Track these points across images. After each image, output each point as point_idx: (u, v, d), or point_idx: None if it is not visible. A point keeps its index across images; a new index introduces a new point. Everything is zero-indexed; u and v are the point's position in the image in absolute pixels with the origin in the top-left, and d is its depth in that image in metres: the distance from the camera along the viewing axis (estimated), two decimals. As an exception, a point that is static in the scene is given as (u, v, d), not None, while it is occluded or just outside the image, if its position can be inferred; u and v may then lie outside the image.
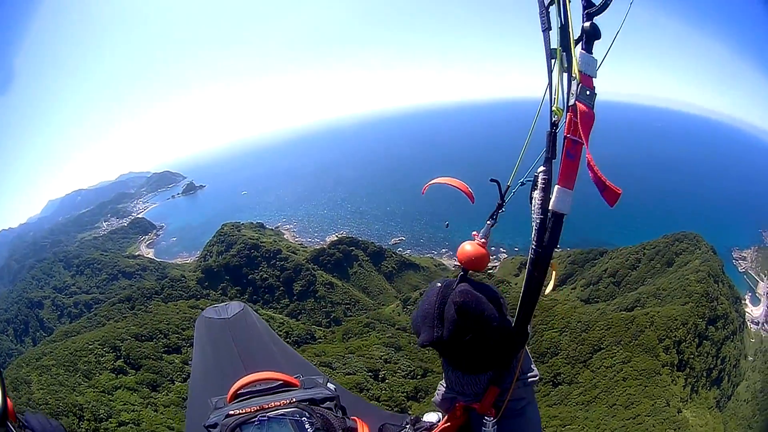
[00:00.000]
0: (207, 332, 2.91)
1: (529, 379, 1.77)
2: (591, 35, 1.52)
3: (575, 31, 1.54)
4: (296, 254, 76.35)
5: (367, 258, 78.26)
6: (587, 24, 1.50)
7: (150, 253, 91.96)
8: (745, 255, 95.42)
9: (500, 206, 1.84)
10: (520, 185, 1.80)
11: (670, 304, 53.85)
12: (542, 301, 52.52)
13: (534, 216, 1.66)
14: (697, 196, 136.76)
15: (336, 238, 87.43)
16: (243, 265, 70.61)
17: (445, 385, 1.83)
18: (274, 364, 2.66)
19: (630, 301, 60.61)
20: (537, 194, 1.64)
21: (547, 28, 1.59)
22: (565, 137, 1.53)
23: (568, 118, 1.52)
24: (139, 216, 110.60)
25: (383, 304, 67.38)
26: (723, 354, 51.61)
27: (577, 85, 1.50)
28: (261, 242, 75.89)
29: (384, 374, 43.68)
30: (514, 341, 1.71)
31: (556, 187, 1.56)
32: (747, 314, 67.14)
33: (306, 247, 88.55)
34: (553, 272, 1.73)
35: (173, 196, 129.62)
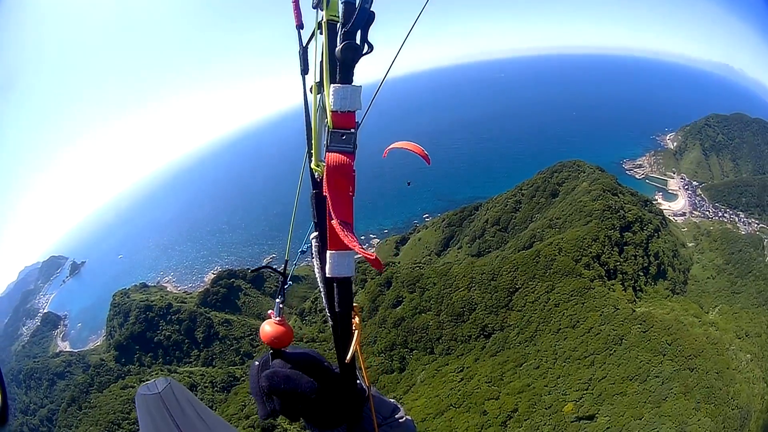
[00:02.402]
0: (146, 407, 3.21)
1: (397, 421, 1.94)
2: (348, 60, 1.31)
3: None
4: (185, 303, 78.09)
5: (249, 285, 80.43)
6: (339, 48, 1.30)
7: (67, 346, 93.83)
8: (639, 163, 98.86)
9: (284, 282, 2.00)
10: (300, 254, 1.95)
11: (571, 228, 53.87)
12: (436, 268, 58.42)
13: (319, 284, 1.67)
14: (573, 129, 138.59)
15: (214, 275, 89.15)
16: (145, 330, 71.97)
17: None
18: (204, 428, 3.04)
19: (526, 240, 59.71)
20: (315, 262, 1.63)
21: (303, 70, 1.45)
22: (324, 195, 1.38)
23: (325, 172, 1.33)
24: (46, 311, 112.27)
25: (282, 324, 77.85)
26: (653, 251, 52.22)
27: (328, 133, 1.33)
28: (151, 302, 76.58)
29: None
30: (350, 398, 1.82)
31: (328, 252, 1.47)
32: (666, 210, 69.48)
33: (190, 293, 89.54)
34: (356, 331, 1.69)
35: (64, 281, 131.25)
